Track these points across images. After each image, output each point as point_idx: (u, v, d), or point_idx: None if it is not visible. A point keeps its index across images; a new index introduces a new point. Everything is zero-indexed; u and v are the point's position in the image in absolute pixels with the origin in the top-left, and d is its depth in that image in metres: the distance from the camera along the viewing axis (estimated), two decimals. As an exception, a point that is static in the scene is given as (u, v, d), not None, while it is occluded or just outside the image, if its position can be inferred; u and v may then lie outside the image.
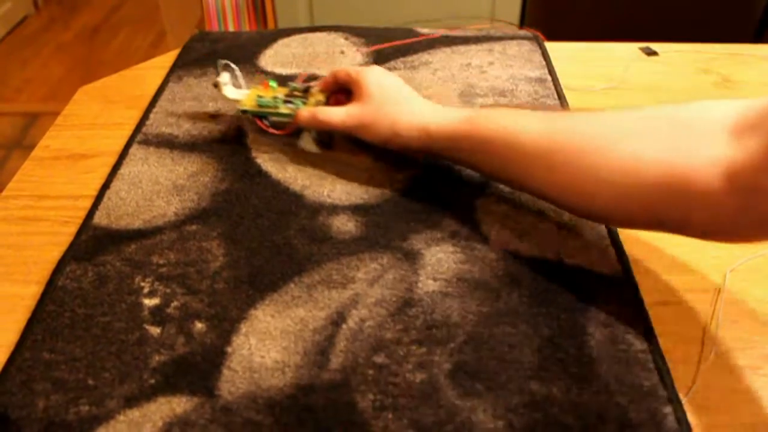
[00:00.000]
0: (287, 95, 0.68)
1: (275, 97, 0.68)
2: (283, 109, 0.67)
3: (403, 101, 0.62)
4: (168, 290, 0.52)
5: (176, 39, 2.15)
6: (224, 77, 0.70)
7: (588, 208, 0.51)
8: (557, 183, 0.51)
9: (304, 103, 0.67)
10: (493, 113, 0.58)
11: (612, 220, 0.54)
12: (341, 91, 0.67)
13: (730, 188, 0.42)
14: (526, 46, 0.85)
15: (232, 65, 0.71)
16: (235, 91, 0.70)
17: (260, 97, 0.68)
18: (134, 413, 0.43)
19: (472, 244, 0.55)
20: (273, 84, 0.70)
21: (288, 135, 0.68)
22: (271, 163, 0.66)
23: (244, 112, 0.68)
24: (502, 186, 0.61)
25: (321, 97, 0.68)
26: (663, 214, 0.46)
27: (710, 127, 0.45)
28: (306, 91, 0.69)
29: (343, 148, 0.68)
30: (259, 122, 0.68)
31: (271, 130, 0.68)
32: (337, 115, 0.63)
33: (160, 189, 0.62)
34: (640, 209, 0.47)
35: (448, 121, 0.58)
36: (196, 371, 0.46)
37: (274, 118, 0.68)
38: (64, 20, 2.93)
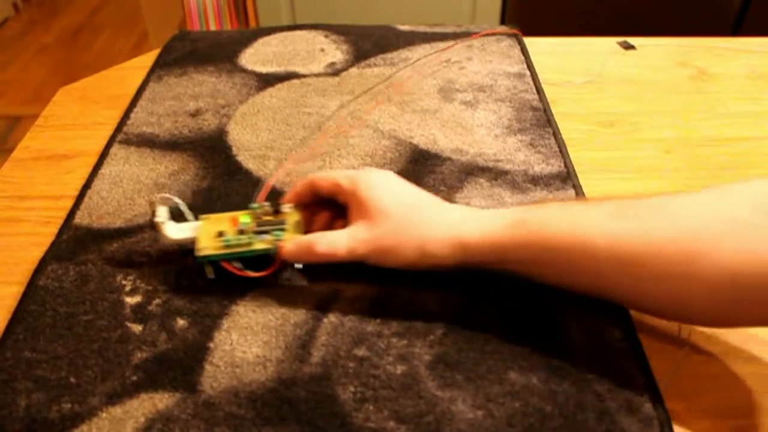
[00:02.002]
0: (257, 223, 0.53)
1: (241, 231, 0.52)
2: (259, 244, 0.51)
3: (428, 211, 0.50)
4: (150, 288, 0.52)
5: (158, 40, 2.15)
6: (162, 213, 0.53)
7: (688, 316, 0.45)
8: (648, 294, 0.44)
9: (283, 230, 0.52)
10: (546, 213, 0.47)
11: (716, 325, 0.48)
12: (317, 203, 0.55)
13: None
14: (505, 42, 0.86)
15: (172, 197, 0.55)
16: (179, 227, 0.54)
17: (222, 234, 0.52)
18: (116, 410, 0.43)
19: (452, 238, 0.56)
20: (245, 219, 0.53)
21: (272, 275, 0.51)
22: (252, 161, 0.66)
23: (205, 258, 0.51)
24: (482, 180, 0.62)
25: (299, 217, 0.53)
26: None
27: None
28: (277, 212, 0.54)
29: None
30: (228, 267, 0.51)
31: (248, 273, 0.51)
32: (341, 244, 0.49)
33: (141, 188, 0.62)
34: (754, 312, 0.41)
35: (487, 228, 0.48)
36: (179, 367, 0.46)
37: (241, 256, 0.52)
38: (45, 22, 2.91)
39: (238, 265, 0.51)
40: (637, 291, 0.45)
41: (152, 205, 0.54)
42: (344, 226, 0.52)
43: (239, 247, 0.51)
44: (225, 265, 0.51)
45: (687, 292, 0.42)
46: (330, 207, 0.54)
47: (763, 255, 0.39)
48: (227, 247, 0.51)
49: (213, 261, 0.51)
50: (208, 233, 0.52)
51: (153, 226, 0.53)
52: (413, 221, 0.49)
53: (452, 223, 0.49)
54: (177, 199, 0.55)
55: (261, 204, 0.54)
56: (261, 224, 0.52)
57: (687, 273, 0.41)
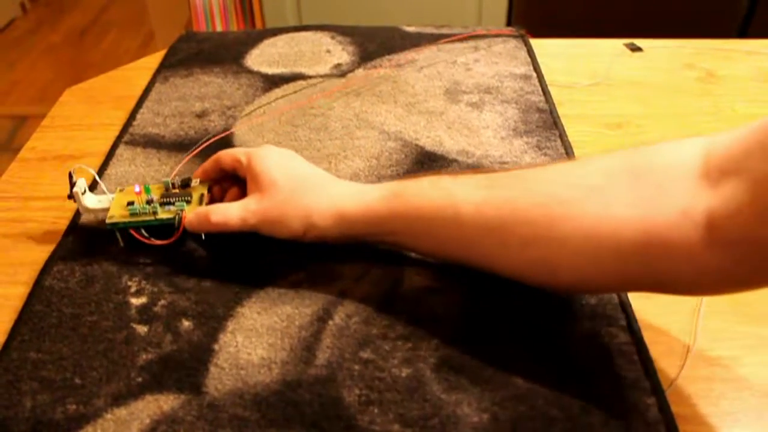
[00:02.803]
0: (163, 195, 0.56)
1: (149, 201, 0.55)
2: (163, 213, 0.55)
3: (315, 185, 0.53)
4: (155, 289, 0.52)
5: (164, 40, 2.15)
6: (80, 184, 0.56)
7: (554, 281, 0.46)
8: (515, 259, 0.45)
9: (188, 202, 0.55)
10: (419, 185, 0.49)
11: (581, 290, 0.49)
12: (226, 179, 0.58)
13: (710, 241, 0.37)
14: (512, 43, 0.86)
15: (89, 168, 0.60)
16: (98, 199, 0.58)
17: (131, 204, 0.55)
18: (121, 411, 0.43)
19: (458, 240, 0.56)
20: (149, 190, 0.56)
21: (173, 243, 0.55)
22: (258, 162, 0.66)
23: (114, 225, 0.55)
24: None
25: (204, 191, 0.57)
26: (639, 276, 0.42)
27: (677, 173, 0.40)
28: (186, 186, 0.57)
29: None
30: (135, 234, 0.55)
31: (153, 241, 0.55)
32: (235, 213, 0.52)
33: (147, 189, 0.62)
34: (615, 274, 0.42)
35: (365, 201, 0.50)
36: (183, 369, 0.46)
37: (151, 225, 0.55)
38: (52, 22, 2.92)
39: (145, 233, 0.55)
40: (505, 257, 0.46)
41: (72, 177, 0.56)
42: None
43: (145, 216, 0.55)
44: (132, 232, 0.55)
45: (552, 256, 0.43)
46: (241, 183, 0.57)
47: (621, 217, 0.40)
48: (134, 215, 0.55)
49: (122, 229, 0.55)
50: (119, 203, 0.56)
51: (72, 197, 0.56)
52: (301, 194, 0.52)
53: (336, 196, 0.51)
54: (93, 172, 0.60)
55: (172, 179, 0.58)
56: (167, 196, 0.56)
57: (551, 237, 0.43)
